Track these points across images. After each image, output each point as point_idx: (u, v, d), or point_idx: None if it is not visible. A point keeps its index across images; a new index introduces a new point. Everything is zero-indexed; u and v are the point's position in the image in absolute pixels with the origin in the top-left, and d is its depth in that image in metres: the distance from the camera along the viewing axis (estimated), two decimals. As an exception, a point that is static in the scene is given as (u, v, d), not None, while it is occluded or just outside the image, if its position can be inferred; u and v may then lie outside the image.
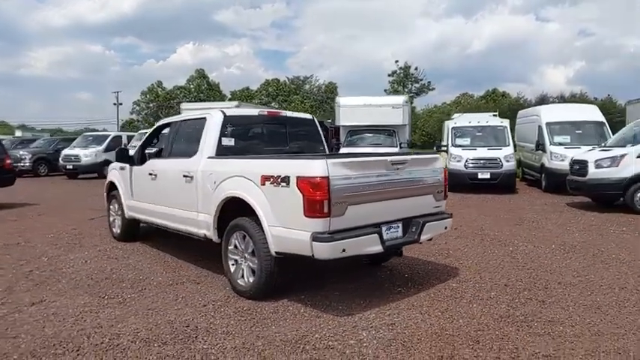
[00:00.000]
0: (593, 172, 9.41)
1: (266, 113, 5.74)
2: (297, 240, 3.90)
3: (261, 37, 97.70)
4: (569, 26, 77.00)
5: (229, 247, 4.69)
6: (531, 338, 3.52)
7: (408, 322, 3.85)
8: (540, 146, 13.37)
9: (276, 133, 5.73)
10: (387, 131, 14.75)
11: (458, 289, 4.70)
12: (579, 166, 9.88)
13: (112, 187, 7.25)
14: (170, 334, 3.66)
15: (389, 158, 4.32)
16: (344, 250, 3.84)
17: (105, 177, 18.99)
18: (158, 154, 6.41)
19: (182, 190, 5.29)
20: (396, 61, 54.58)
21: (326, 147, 6.22)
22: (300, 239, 3.86)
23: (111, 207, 7.30)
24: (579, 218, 8.84)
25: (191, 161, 5.20)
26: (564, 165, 12.01)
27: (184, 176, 5.22)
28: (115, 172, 7.08)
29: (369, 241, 4.01)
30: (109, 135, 20.65)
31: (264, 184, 4.19)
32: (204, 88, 62.73)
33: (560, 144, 12.92)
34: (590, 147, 11.69)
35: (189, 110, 18.08)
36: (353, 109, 14.90)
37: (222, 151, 5.10)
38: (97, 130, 44.50)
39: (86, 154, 18.86)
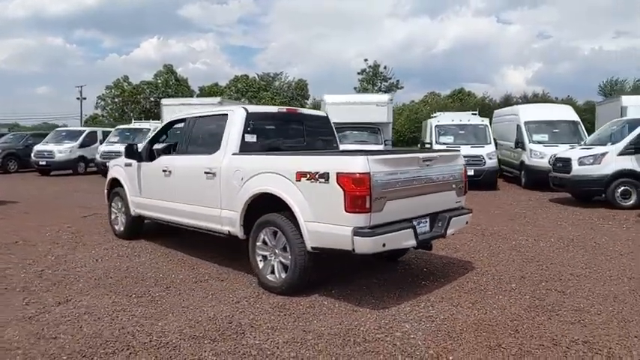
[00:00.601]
0: (576, 169, 9.87)
1: (285, 110, 5.77)
2: (337, 235, 3.96)
3: (228, 32, 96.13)
4: (529, 28, 79.84)
5: (257, 244, 4.71)
6: (565, 326, 3.72)
7: (445, 314, 3.98)
8: (520, 144, 13.87)
9: (293, 130, 5.77)
10: (371, 129, 14.92)
11: (479, 281, 4.88)
12: (562, 163, 10.33)
13: (115, 184, 7.09)
14: (216, 330, 3.66)
15: (421, 155, 4.45)
16: (384, 245, 3.94)
17: (79, 174, 18.61)
18: (172, 151, 6.33)
19: (203, 187, 5.25)
20: (365, 60, 55.05)
21: (339, 144, 6.30)
22: (340, 234, 3.93)
23: (112, 204, 7.14)
24: (566, 213, 9.26)
25: (213, 157, 5.16)
26: (544, 162, 12.57)
27: (206, 173, 5.18)
28: (119, 169, 6.92)
29: (405, 236, 4.12)
30: (84, 130, 19.99)
31: (299, 180, 4.22)
32: (172, 84, 61.44)
33: (539, 142, 13.46)
34: (569, 145, 12.27)
35: (171, 106, 17.80)
36: (339, 106, 14.97)
37: (245, 148, 5.09)
38: (58, 126, 42.89)
39: (60, 150, 18.23)
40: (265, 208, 4.67)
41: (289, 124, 5.78)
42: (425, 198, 4.47)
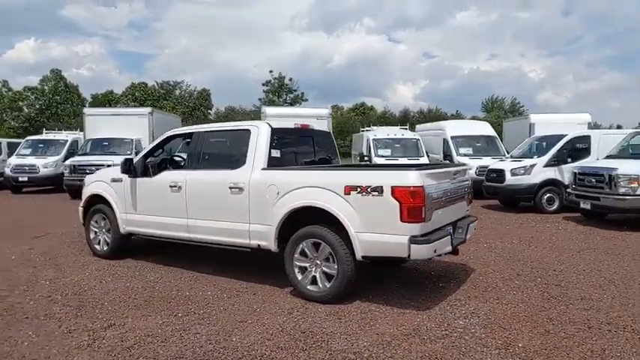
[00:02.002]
0: (509, 179, 11.19)
1: (300, 126, 5.97)
2: (392, 244, 4.29)
3: (117, 37, 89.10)
4: (416, 48, 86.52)
5: (295, 255, 4.85)
6: (584, 312, 4.41)
7: (483, 310, 4.48)
8: (448, 157, 15.22)
9: (306, 145, 5.99)
10: (312, 141, 15.36)
11: (487, 280, 5.48)
12: (496, 174, 11.63)
13: (94, 201, 6.67)
14: (297, 339, 3.78)
15: (451, 169, 4.96)
16: (435, 251, 4.35)
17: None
18: (168, 165, 6.17)
19: (226, 202, 5.25)
20: (271, 71, 55.42)
21: (339, 157, 6.62)
22: (396, 242, 4.26)
23: (92, 223, 6.69)
24: (506, 218, 10.45)
25: (238, 172, 5.20)
26: (470, 173, 13.94)
27: (231, 188, 5.19)
28: (103, 185, 6.53)
29: (446, 243, 4.57)
30: (-15, 142, 17.87)
31: (348, 194, 4.48)
32: (60, 90, 56.77)
33: (465, 155, 14.89)
34: (490, 157, 13.84)
35: (94, 116, 16.78)
36: (280, 119, 15.21)
37: (271, 163, 5.21)
38: None
39: (-41, 164, 16.12)
40: (298, 222, 4.84)
41: (303, 139, 5.99)
42: (451, 207, 4.97)
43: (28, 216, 10.97)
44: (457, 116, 52.85)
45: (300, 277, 4.83)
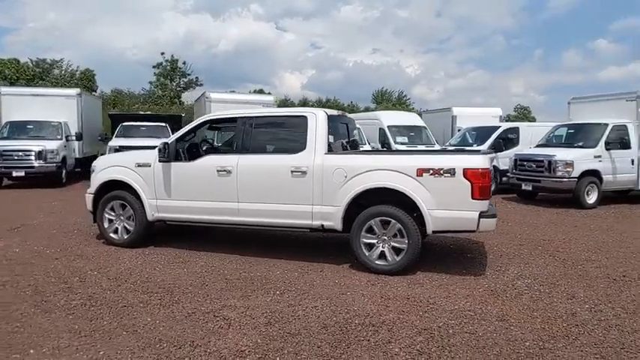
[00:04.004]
0: (455, 165, 12.52)
1: (341, 114, 6.29)
2: (464, 219, 4.93)
3: None
4: (303, 38, 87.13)
5: (362, 233, 5.26)
6: (599, 270, 5.46)
7: (526, 272, 5.33)
8: (386, 145, 16.33)
9: (343, 130, 6.36)
10: (258, 129, 15.40)
11: (503, 250, 6.38)
12: (442, 160, 12.91)
13: (108, 187, 6.33)
14: (410, 305, 4.24)
15: (494, 155, 5.72)
16: (495, 224, 5.09)
17: None
18: (200, 150, 6.17)
19: (287, 185, 5.45)
20: (162, 53, 52.23)
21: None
22: (468, 217, 4.91)
23: (108, 210, 6.34)
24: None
25: (300, 157, 5.43)
26: None
27: (293, 171, 5.41)
28: (125, 170, 6.23)
29: (496, 217, 5.34)
30: None
31: (421, 176, 5.02)
32: None
33: (402, 143, 16.10)
34: (424, 145, 15.20)
35: (13, 96, 15.00)
36: (225, 104, 14.98)
37: (329, 147, 5.53)
38: None
39: None
40: (359, 204, 5.27)
41: (342, 125, 6.34)
42: (488, 187, 5.75)
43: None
44: (353, 107, 55.29)
45: (367, 252, 5.26)
